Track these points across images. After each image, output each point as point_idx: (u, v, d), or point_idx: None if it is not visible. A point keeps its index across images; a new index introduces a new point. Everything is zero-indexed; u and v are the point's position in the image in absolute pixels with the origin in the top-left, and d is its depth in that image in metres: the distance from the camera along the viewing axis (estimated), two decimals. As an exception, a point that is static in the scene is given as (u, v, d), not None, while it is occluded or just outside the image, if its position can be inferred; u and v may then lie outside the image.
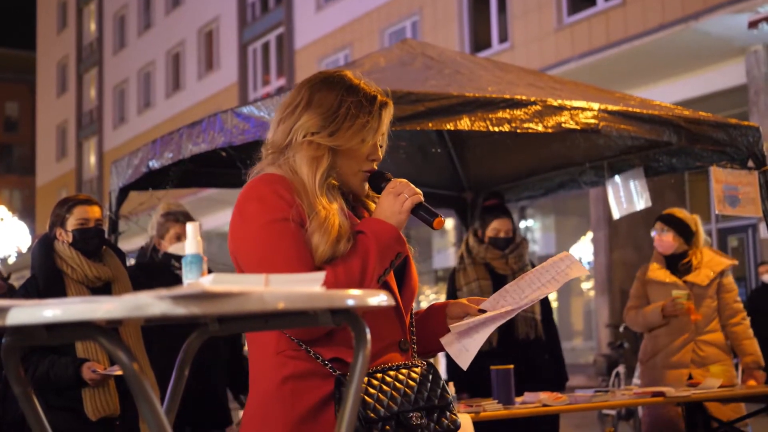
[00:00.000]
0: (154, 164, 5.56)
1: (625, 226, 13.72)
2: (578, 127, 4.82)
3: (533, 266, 2.92)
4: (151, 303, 1.35)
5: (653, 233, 5.68)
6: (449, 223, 17.62)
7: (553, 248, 17.55)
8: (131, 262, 4.79)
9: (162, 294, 1.36)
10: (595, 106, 4.87)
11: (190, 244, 1.98)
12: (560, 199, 15.20)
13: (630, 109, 5.01)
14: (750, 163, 5.36)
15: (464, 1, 17.83)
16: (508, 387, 4.44)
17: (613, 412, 10.06)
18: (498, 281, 5.30)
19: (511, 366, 4.55)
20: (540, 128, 4.72)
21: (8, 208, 21.52)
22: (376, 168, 2.34)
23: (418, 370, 2.24)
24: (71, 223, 3.99)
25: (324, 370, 2.15)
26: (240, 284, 1.49)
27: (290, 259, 2.10)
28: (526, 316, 5.41)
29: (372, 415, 2.11)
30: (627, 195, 6.25)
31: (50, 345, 3.75)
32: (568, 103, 4.82)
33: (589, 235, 15.99)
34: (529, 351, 5.40)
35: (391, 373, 2.20)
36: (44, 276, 3.95)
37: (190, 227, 2.00)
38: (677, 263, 5.57)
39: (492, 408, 4.31)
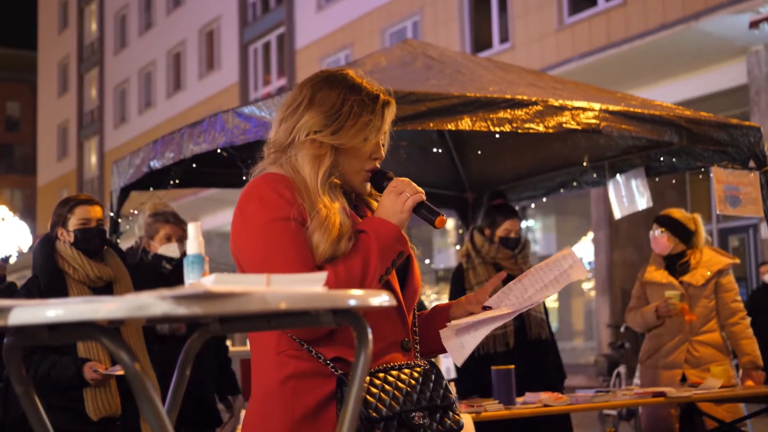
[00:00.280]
0: (155, 164, 5.56)
1: (626, 226, 13.72)
2: (579, 127, 4.82)
3: None
4: (153, 303, 1.35)
5: (651, 233, 5.69)
6: (450, 222, 17.62)
7: (554, 248, 17.54)
8: None
9: (164, 294, 1.36)
10: (596, 106, 4.87)
11: (192, 244, 1.98)
12: (561, 199, 15.20)
13: (631, 109, 5.01)
14: (751, 163, 5.36)
15: (465, 1, 17.83)
16: (508, 387, 4.45)
17: (614, 413, 10.05)
18: (507, 282, 5.29)
19: (512, 366, 4.55)
20: (541, 128, 4.72)
21: (9, 208, 21.52)
22: (378, 167, 2.34)
23: (420, 369, 2.24)
24: (73, 223, 4.00)
25: (326, 370, 2.15)
26: (242, 284, 1.49)
27: (291, 258, 2.10)
28: (537, 316, 5.43)
29: (374, 414, 2.11)
30: (628, 195, 6.25)
31: (52, 345, 3.76)
32: (569, 103, 4.82)
33: (590, 235, 15.99)
34: (539, 351, 5.44)
35: (393, 372, 2.20)
36: (46, 276, 3.96)
37: (192, 227, 2.00)
38: (675, 263, 5.57)
39: (493, 408, 4.31)
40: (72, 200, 4.08)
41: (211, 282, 1.50)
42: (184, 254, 4.65)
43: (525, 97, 4.73)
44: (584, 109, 4.83)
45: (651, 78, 13.68)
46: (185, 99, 27.61)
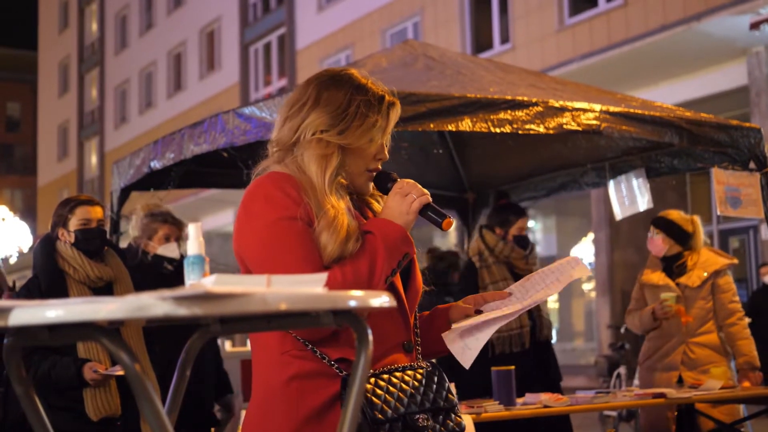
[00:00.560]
0: (156, 164, 5.57)
1: (627, 227, 13.73)
2: (580, 128, 4.82)
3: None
4: (154, 304, 1.35)
5: (649, 235, 5.70)
6: (450, 223, 17.60)
7: (555, 249, 17.55)
8: None
9: (164, 295, 1.36)
10: (597, 107, 4.87)
11: (192, 245, 1.98)
12: (562, 200, 15.20)
13: (631, 110, 5.01)
14: (751, 165, 5.36)
15: (466, 1, 17.83)
16: (509, 388, 4.45)
17: (614, 414, 10.06)
18: (516, 278, 5.35)
19: (512, 367, 4.56)
20: (541, 129, 4.72)
21: (9, 208, 21.53)
22: (380, 168, 2.33)
23: (422, 371, 2.24)
24: (73, 223, 4.00)
25: (330, 371, 2.14)
26: (242, 285, 1.49)
27: (299, 258, 2.09)
28: (546, 317, 5.48)
29: (379, 416, 2.10)
30: (629, 196, 6.25)
31: (52, 345, 3.76)
32: (569, 104, 4.82)
33: (591, 235, 16.00)
34: (547, 352, 5.49)
35: (397, 374, 2.19)
36: (46, 276, 3.96)
37: (192, 228, 2.00)
38: (672, 265, 5.58)
39: (493, 409, 4.31)
40: (73, 201, 4.08)
41: (211, 283, 1.50)
42: (183, 254, 4.66)
43: (525, 98, 4.73)
44: (585, 110, 4.83)
45: (651, 79, 13.68)
46: (186, 99, 27.62)
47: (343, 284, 2.08)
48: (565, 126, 4.78)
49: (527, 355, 5.32)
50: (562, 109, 4.78)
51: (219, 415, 5.25)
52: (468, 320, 2.35)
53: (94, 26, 35.09)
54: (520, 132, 4.71)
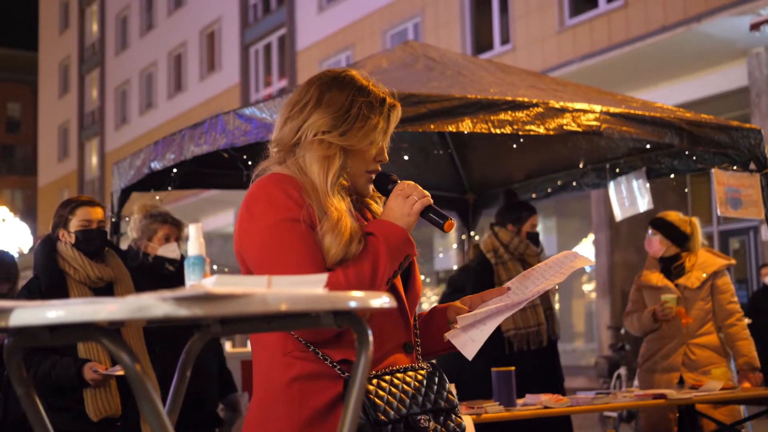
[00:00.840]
0: (156, 165, 5.57)
1: (627, 227, 13.72)
2: (580, 129, 4.82)
3: None
4: (154, 304, 1.35)
5: (646, 237, 5.70)
6: (451, 224, 17.59)
7: (555, 250, 17.53)
8: None
9: (165, 295, 1.36)
10: (597, 108, 4.87)
11: (193, 246, 1.98)
12: (562, 201, 15.19)
13: (632, 111, 5.01)
14: (752, 166, 5.37)
15: (466, 2, 17.83)
16: (509, 389, 4.45)
17: (614, 414, 10.06)
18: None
19: (512, 368, 4.56)
20: (542, 130, 4.72)
21: (10, 209, 21.54)
22: (380, 169, 2.33)
23: (423, 372, 2.24)
24: (74, 224, 4.01)
25: (333, 372, 2.14)
26: (243, 286, 1.49)
27: (300, 259, 2.09)
28: (555, 315, 5.51)
29: (382, 417, 2.10)
30: (629, 197, 6.25)
31: (52, 346, 3.76)
32: (569, 105, 4.82)
33: (591, 236, 15.99)
34: (555, 350, 5.55)
35: (399, 375, 2.20)
36: (47, 276, 3.97)
37: (192, 228, 2.01)
38: (670, 266, 5.57)
39: (493, 410, 4.31)
40: (73, 201, 4.08)
41: (212, 283, 1.50)
42: (183, 254, 4.66)
43: (526, 99, 4.73)
44: (585, 111, 4.83)
45: (652, 80, 13.68)
46: (186, 100, 27.62)
47: (347, 286, 2.08)
48: (565, 127, 4.78)
49: (544, 352, 5.38)
50: (563, 110, 4.78)
51: (223, 414, 5.25)
52: (472, 313, 2.35)
53: (95, 27, 35.09)
54: (520, 133, 4.71)
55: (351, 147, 2.24)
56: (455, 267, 18.92)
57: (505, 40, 17.07)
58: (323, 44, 21.95)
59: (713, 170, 5.39)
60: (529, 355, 5.33)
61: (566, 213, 17.33)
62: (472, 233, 7.52)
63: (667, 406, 5.23)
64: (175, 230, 4.88)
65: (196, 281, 1.91)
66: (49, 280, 3.95)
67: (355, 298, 1.61)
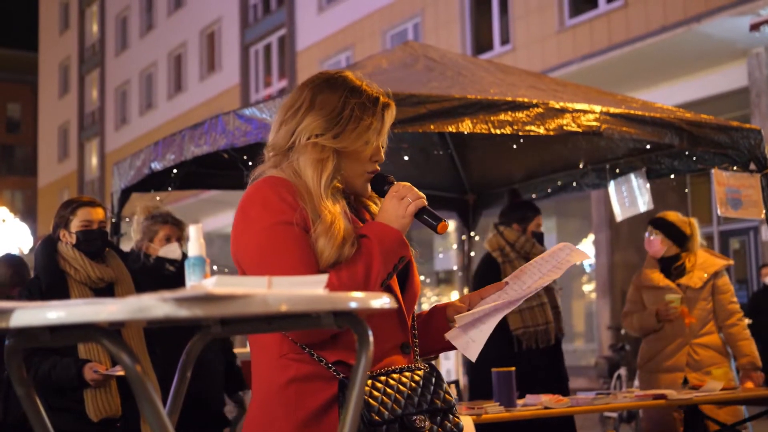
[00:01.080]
0: (156, 166, 5.57)
1: (627, 228, 13.72)
2: (580, 130, 4.82)
3: None
4: (155, 305, 1.35)
5: (646, 236, 5.69)
6: (450, 224, 17.59)
7: (555, 250, 17.50)
8: None
9: (165, 296, 1.36)
10: (597, 108, 4.87)
11: (193, 246, 1.98)
12: (562, 201, 15.19)
13: (632, 111, 5.01)
14: (752, 166, 5.37)
15: (466, 2, 17.83)
16: (509, 389, 4.45)
17: (614, 415, 10.06)
18: None
19: (513, 368, 4.56)
20: (542, 131, 4.72)
21: (10, 209, 21.54)
22: (378, 169, 2.34)
23: (420, 373, 2.24)
24: (75, 224, 4.01)
25: (328, 373, 2.15)
26: (243, 286, 1.49)
27: (295, 262, 2.10)
28: (560, 312, 5.52)
29: (376, 417, 2.11)
30: (629, 197, 6.25)
31: (53, 346, 3.76)
32: (569, 105, 4.82)
33: (591, 237, 15.99)
34: (560, 349, 5.59)
35: (395, 376, 2.20)
36: (47, 277, 3.97)
37: (193, 229, 2.01)
38: (670, 266, 5.57)
39: (493, 410, 4.31)
40: (74, 202, 4.09)
41: (212, 284, 1.50)
42: (185, 254, 4.66)
43: (526, 100, 4.73)
44: (585, 112, 4.83)
45: (652, 80, 13.68)
46: (186, 100, 27.62)
47: (340, 288, 2.08)
48: (565, 127, 4.78)
49: (553, 351, 5.41)
50: (563, 111, 4.78)
51: (232, 409, 5.25)
52: (470, 312, 2.35)
53: (95, 27, 35.10)
54: (520, 133, 4.71)
55: (344, 149, 2.24)
56: (455, 267, 18.94)
57: (505, 41, 17.08)
58: (323, 45, 21.95)
59: (713, 171, 5.39)
60: (537, 353, 5.35)
61: (566, 213, 17.34)
62: (472, 233, 7.53)
63: (670, 407, 5.23)
64: (176, 230, 4.89)
65: (196, 282, 1.91)
66: (50, 281, 3.96)
67: (356, 299, 1.61)
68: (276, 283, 1.59)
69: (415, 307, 2.41)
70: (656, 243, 5.58)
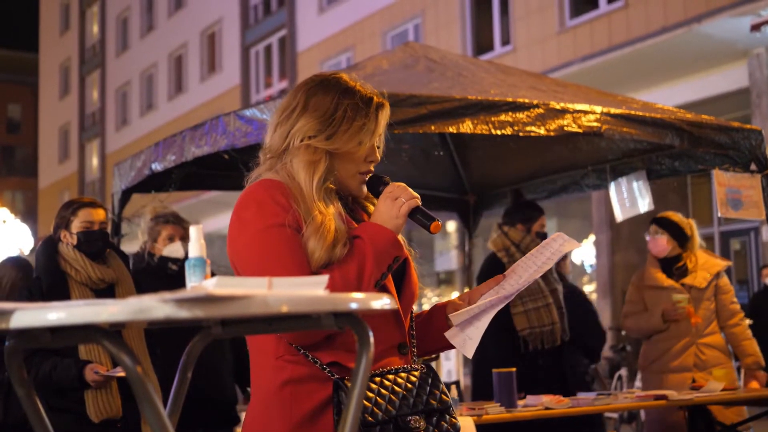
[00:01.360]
0: (157, 167, 5.56)
1: (628, 228, 13.72)
2: (581, 130, 4.82)
3: None
4: (155, 306, 1.35)
5: (647, 236, 5.69)
6: (451, 225, 17.62)
7: (555, 251, 17.49)
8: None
9: (166, 297, 1.36)
10: (598, 109, 4.87)
11: (193, 247, 1.98)
12: (563, 202, 15.19)
13: (632, 112, 5.01)
14: (753, 166, 5.37)
15: (466, 3, 17.83)
16: (510, 390, 4.45)
17: (615, 415, 10.06)
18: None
19: (513, 369, 4.56)
20: (542, 131, 4.72)
21: (10, 210, 21.53)
22: (373, 170, 2.34)
23: (417, 373, 2.24)
24: (76, 225, 4.01)
25: (322, 374, 2.15)
26: (243, 287, 1.49)
27: (287, 264, 2.10)
28: (565, 313, 5.53)
29: (370, 418, 2.11)
30: (630, 198, 6.25)
31: (53, 347, 3.76)
32: (570, 106, 4.82)
33: (592, 237, 15.99)
34: (564, 350, 5.59)
35: (390, 376, 2.20)
36: (48, 278, 3.97)
37: (193, 230, 2.01)
38: (672, 267, 5.57)
39: (494, 411, 4.31)
40: (75, 203, 4.09)
41: (212, 285, 1.50)
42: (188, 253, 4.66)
43: (526, 100, 4.73)
44: (586, 112, 4.83)
45: (652, 81, 13.68)
46: (187, 101, 27.62)
47: (332, 289, 2.08)
48: (565, 128, 4.78)
49: (557, 352, 5.41)
50: (563, 111, 4.78)
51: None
52: (464, 309, 2.35)
53: (95, 28, 35.11)
54: (521, 134, 4.71)
55: (337, 150, 2.25)
56: (456, 268, 18.92)
57: (505, 41, 17.08)
58: (324, 45, 21.95)
59: (714, 171, 5.39)
60: (543, 354, 5.36)
61: (567, 214, 17.33)
62: (472, 234, 7.53)
63: (674, 408, 5.23)
64: (180, 229, 4.90)
65: (197, 283, 1.91)
66: (51, 282, 3.96)
67: (356, 300, 1.61)
68: (276, 284, 1.59)
69: (415, 307, 2.41)
70: (662, 242, 5.57)
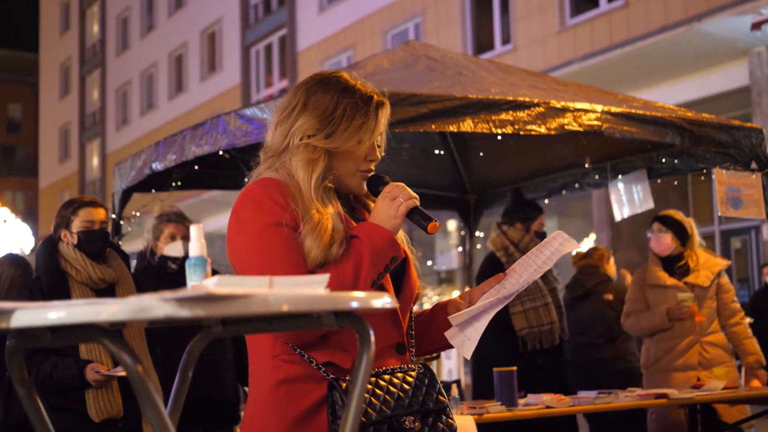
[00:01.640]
0: (157, 166, 5.57)
1: (628, 227, 13.71)
2: (581, 129, 4.82)
3: None
4: (156, 305, 1.35)
5: (649, 234, 5.68)
6: (452, 224, 17.61)
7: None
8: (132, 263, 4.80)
9: (166, 296, 1.36)
10: (598, 107, 4.87)
11: (194, 247, 1.98)
12: (563, 201, 15.19)
13: (633, 110, 5.01)
14: (753, 165, 5.37)
15: (467, 2, 17.82)
16: (511, 389, 4.45)
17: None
18: None
19: (514, 368, 4.56)
20: (543, 130, 4.72)
21: (11, 210, 21.53)
22: (373, 168, 2.33)
23: (413, 374, 2.24)
24: (76, 225, 4.01)
25: (317, 374, 2.15)
26: (244, 286, 1.49)
27: (284, 263, 2.10)
28: (564, 313, 5.57)
29: (363, 418, 2.11)
30: (630, 197, 6.25)
31: (54, 347, 3.76)
32: (571, 104, 4.82)
33: (592, 236, 15.98)
34: (563, 349, 5.62)
35: (386, 377, 2.20)
36: (48, 277, 3.97)
37: (194, 229, 2.01)
38: (673, 265, 5.57)
39: (495, 410, 4.31)
40: (76, 202, 4.08)
41: (213, 284, 1.50)
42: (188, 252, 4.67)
43: (527, 99, 4.73)
44: (586, 111, 4.83)
45: (653, 79, 13.67)
46: (187, 101, 27.62)
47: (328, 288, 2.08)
48: (566, 127, 4.77)
49: (556, 351, 5.42)
50: (564, 110, 4.78)
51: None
52: (464, 311, 2.35)
53: (96, 28, 35.11)
54: (521, 133, 4.71)
55: (336, 149, 2.25)
56: (456, 267, 18.91)
57: (506, 40, 17.07)
58: (324, 45, 21.95)
59: (714, 170, 5.39)
60: (541, 353, 5.37)
61: (567, 213, 17.33)
62: (473, 233, 7.52)
63: (675, 406, 5.24)
64: (182, 228, 4.90)
65: (197, 282, 1.91)
66: (51, 281, 3.95)
67: (357, 299, 1.61)
68: (277, 283, 1.59)
69: (414, 306, 2.41)
70: (666, 241, 5.56)
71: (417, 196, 2.25)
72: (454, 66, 5.50)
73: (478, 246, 7.81)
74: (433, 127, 4.54)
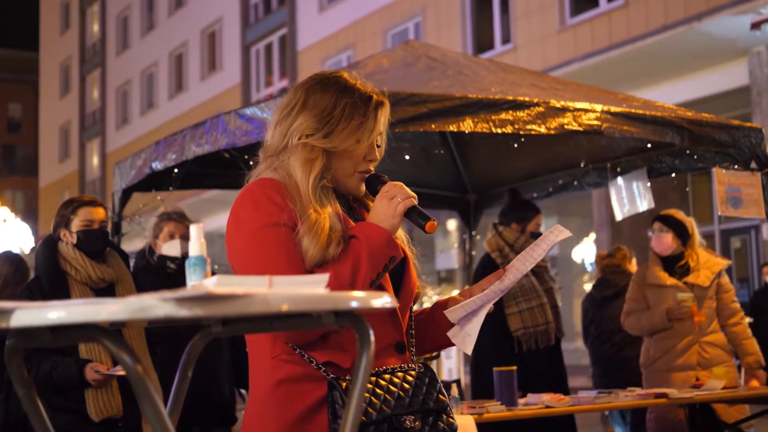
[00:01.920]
0: (157, 165, 5.57)
1: (628, 227, 13.71)
2: (581, 129, 4.82)
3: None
4: (155, 305, 1.35)
5: (650, 233, 5.68)
6: (452, 223, 17.62)
7: (556, 249, 17.53)
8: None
9: (166, 296, 1.36)
10: (598, 107, 4.87)
11: (194, 246, 1.98)
12: (563, 201, 15.20)
13: (633, 110, 5.01)
14: (753, 165, 5.37)
15: (467, 2, 17.83)
16: (510, 388, 4.45)
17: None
18: (534, 275, 5.44)
19: (514, 368, 4.56)
20: (543, 130, 4.72)
21: (11, 209, 21.52)
22: (372, 169, 2.33)
23: (414, 373, 2.24)
24: (76, 224, 4.00)
25: (317, 374, 2.15)
26: (244, 286, 1.48)
27: (282, 263, 2.10)
28: (560, 312, 5.59)
29: (363, 418, 2.11)
30: (630, 196, 6.25)
31: (53, 346, 3.76)
32: (571, 104, 4.82)
33: (592, 236, 15.99)
34: (560, 349, 5.64)
35: (386, 376, 2.19)
36: (48, 277, 3.96)
37: (193, 229, 2.01)
38: (674, 265, 5.56)
39: (495, 409, 4.31)
40: (75, 202, 4.08)
41: (213, 284, 1.50)
42: (186, 252, 4.67)
43: (527, 99, 4.73)
44: (586, 111, 4.83)
45: (653, 79, 13.68)
46: (187, 100, 27.63)
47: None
48: (566, 126, 4.77)
49: (553, 351, 5.42)
50: (564, 110, 4.78)
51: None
52: (460, 305, 2.36)
53: (96, 27, 35.11)
54: (521, 132, 4.71)
55: (335, 148, 2.24)
56: (456, 266, 18.92)
57: (506, 40, 17.07)
58: (324, 44, 21.95)
59: (714, 169, 5.39)
60: (537, 354, 5.37)
61: (567, 212, 17.33)
62: (473, 233, 7.52)
63: (675, 406, 5.24)
64: (181, 227, 4.90)
65: (197, 281, 1.91)
66: (51, 281, 3.95)
67: (357, 298, 1.61)
68: (277, 283, 1.59)
69: (414, 306, 2.41)
70: (667, 240, 5.56)
71: (415, 195, 2.25)
72: (454, 65, 5.50)
73: (478, 245, 7.81)
74: (433, 126, 4.53)
